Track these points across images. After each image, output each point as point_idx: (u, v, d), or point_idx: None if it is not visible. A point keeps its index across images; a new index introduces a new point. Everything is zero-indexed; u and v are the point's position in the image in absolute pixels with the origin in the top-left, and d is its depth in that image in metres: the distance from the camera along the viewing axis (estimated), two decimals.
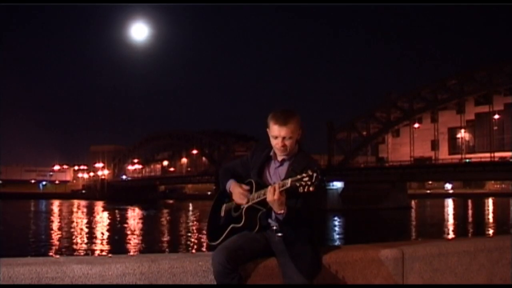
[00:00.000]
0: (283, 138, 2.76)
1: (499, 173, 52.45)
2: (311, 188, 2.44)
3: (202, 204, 62.67)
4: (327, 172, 56.93)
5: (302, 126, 2.84)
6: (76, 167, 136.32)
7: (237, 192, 2.81)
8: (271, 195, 2.58)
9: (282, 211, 2.63)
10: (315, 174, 2.44)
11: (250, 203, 2.75)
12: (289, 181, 2.52)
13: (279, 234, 2.75)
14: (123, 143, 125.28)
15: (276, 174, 2.85)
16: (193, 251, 20.84)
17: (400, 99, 64.99)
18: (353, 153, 65.60)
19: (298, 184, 2.47)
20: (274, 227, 2.78)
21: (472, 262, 3.47)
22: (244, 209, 2.77)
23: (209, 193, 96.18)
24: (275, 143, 2.80)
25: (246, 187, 2.81)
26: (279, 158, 2.86)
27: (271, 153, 2.88)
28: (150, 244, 23.09)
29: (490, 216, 46.85)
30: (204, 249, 20.52)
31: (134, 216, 45.41)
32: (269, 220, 2.80)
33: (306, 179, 2.45)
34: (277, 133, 2.77)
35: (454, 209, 60.64)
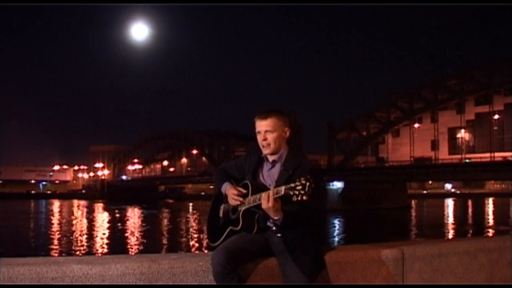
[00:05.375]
0: (265, 132, 2.79)
1: (499, 173, 52.46)
2: (304, 197, 2.42)
3: (202, 204, 62.60)
4: (327, 172, 56.95)
5: (290, 126, 2.84)
6: (76, 167, 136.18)
7: (231, 193, 2.82)
8: (266, 202, 2.58)
9: (278, 217, 2.63)
10: (307, 183, 2.42)
11: (246, 206, 2.76)
12: (282, 188, 2.52)
13: (279, 235, 2.75)
14: (123, 143, 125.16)
15: (270, 176, 2.84)
16: (193, 251, 20.83)
17: (400, 99, 64.95)
18: (353, 153, 65.57)
19: (291, 193, 2.45)
20: (274, 228, 2.78)
21: (472, 262, 3.47)
22: (241, 212, 2.77)
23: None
24: (259, 139, 2.82)
25: (242, 190, 2.81)
26: (270, 159, 2.86)
27: (263, 155, 2.88)
28: (150, 244, 23.10)
29: (490, 216, 46.84)
30: (204, 249, 20.55)
31: (134, 216, 45.42)
32: (268, 223, 2.78)
33: (299, 187, 2.43)
34: (258, 127, 2.81)
35: (454, 209, 60.64)
